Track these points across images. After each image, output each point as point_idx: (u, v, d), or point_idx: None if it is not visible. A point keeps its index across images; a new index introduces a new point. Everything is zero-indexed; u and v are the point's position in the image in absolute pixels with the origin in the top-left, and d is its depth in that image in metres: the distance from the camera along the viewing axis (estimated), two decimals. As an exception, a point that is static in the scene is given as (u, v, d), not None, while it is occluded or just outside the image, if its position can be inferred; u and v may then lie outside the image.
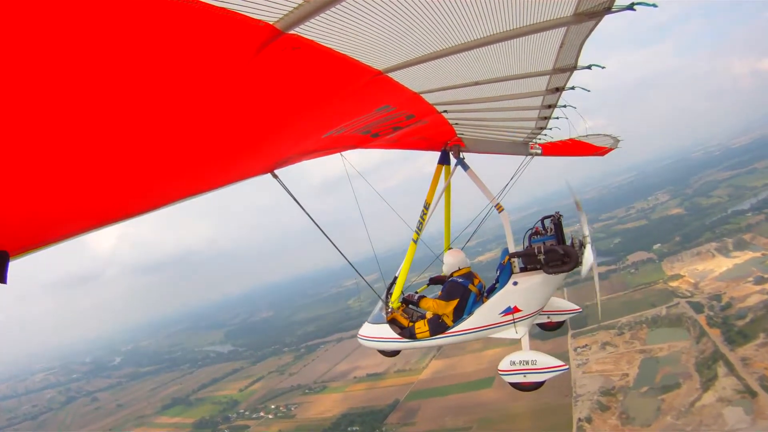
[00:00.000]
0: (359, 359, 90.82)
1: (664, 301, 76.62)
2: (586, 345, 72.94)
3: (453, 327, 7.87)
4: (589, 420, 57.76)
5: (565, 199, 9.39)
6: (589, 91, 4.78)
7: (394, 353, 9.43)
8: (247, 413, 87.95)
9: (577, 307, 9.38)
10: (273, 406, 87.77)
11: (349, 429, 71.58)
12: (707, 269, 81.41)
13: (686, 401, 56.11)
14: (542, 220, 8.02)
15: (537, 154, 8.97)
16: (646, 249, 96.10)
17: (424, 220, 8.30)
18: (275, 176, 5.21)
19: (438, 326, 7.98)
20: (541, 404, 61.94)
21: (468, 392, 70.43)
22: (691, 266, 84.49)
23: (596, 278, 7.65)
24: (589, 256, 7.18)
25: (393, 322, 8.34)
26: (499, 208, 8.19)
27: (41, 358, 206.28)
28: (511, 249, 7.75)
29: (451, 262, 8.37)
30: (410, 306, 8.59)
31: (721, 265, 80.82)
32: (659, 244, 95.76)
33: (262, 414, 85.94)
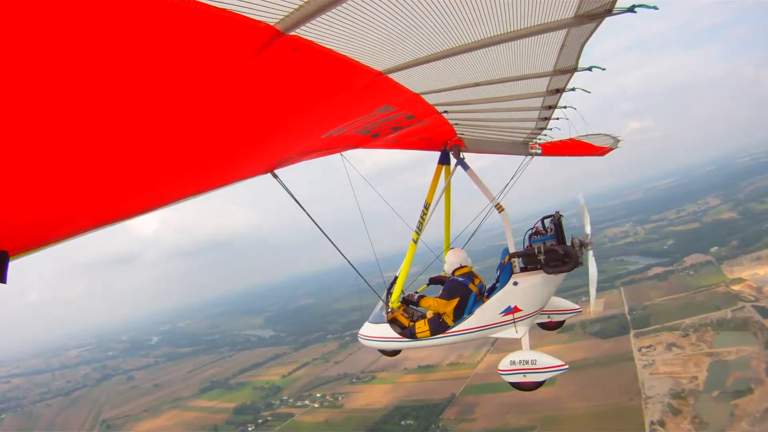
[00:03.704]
0: (408, 350, 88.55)
1: (728, 305, 74.65)
2: (651, 345, 71.56)
3: (453, 326, 7.94)
4: (662, 423, 56.29)
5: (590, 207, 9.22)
6: (589, 92, 4.80)
7: (394, 353, 9.50)
8: (290, 400, 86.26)
9: (577, 306, 9.39)
10: (319, 395, 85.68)
11: (402, 422, 69.61)
12: (769, 274, 79.20)
13: (761, 407, 54.53)
14: (542, 220, 8.00)
15: (537, 154, 9.09)
16: (702, 251, 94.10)
17: (424, 220, 8.40)
18: (275, 176, 5.23)
19: (438, 326, 8.04)
20: (608, 405, 60.89)
21: (527, 389, 69.14)
22: (751, 270, 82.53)
23: (593, 288, 7.57)
24: (594, 273, 7.34)
25: (393, 322, 8.40)
26: (500, 208, 8.34)
27: (77, 335, 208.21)
28: (512, 249, 7.82)
29: (452, 261, 8.39)
30: (410, 306, 8.62)
31: (783, 271, 78.65)
32: (716, 247, 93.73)
33: (307, 402, 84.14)
